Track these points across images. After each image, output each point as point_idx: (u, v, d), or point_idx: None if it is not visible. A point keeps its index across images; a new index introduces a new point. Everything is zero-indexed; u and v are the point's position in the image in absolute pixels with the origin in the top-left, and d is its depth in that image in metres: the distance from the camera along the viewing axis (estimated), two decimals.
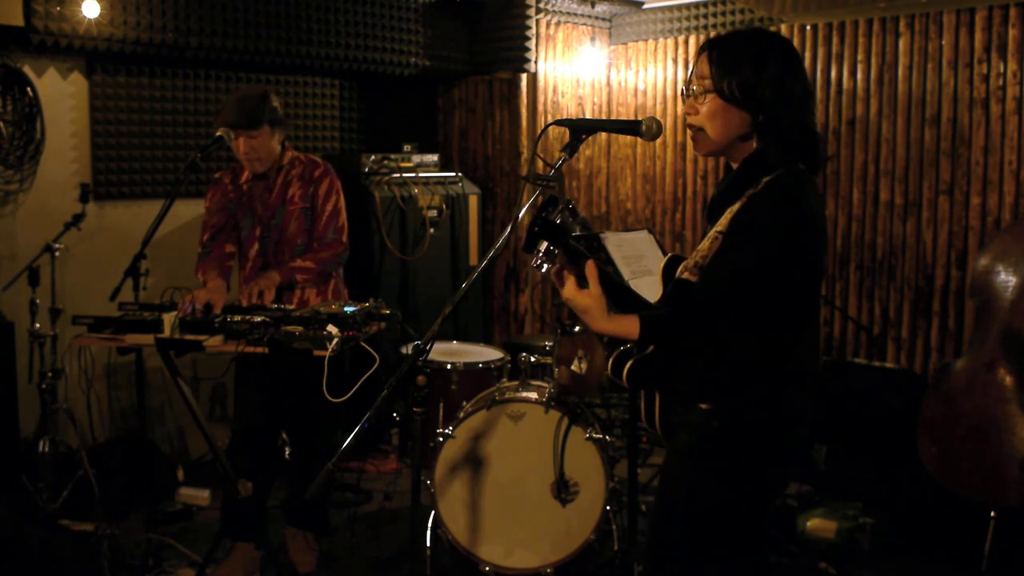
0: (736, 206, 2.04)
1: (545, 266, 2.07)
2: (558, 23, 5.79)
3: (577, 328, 3.72)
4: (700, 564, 2.15)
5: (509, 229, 2.23)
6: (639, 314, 2.02)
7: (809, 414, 2.14)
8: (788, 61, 2.07)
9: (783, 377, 2.08)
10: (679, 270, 2.15)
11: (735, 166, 2.14)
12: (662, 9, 5.70)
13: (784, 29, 5.09)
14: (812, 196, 2.05)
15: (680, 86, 5.69)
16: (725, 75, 2.05)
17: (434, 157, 5.49)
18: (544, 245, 2.05)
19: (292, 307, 3.34)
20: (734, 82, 2.04)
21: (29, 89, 4.30)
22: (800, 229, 2.00)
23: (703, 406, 2.09)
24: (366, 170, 5.15)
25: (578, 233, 2.17)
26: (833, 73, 4.93)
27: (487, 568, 3.47)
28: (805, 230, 2.02)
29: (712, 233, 2.08)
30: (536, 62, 5.64)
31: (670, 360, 2.13)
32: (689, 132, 2.16)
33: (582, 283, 2.04)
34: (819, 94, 4.97)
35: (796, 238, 2.00)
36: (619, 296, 2.07)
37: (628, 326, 2.01)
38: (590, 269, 2.02)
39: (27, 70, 4.31)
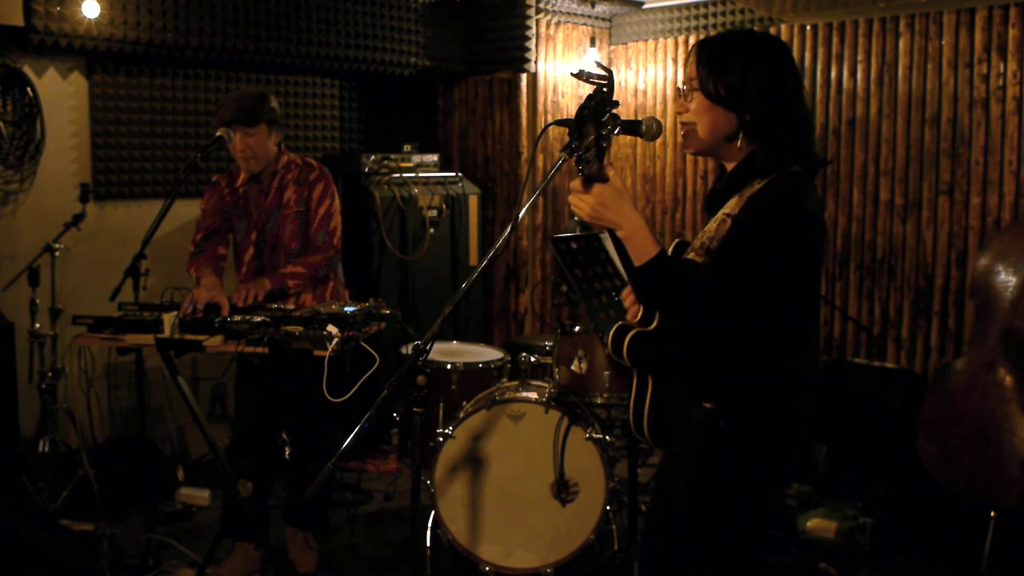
0: (748, 191, 2.05)
1: (583, 168, 1.99)
2: (558, 23, 5.79)
3: (577, 328, 3.72)
4: (701, 564, 2.15)
5: (509, 229, 2.23)
6: (663, 249, 2.02)
7: (810, 414, 2.14)
8: (776, 61, 2.08)
9: (786, 377, 2.08)
10: (686, 252, 2.16)
11: (728, 167, 2.15)
12: (662, 9, 5.70)
13: (784, 29, 5.09)
14: (810, 198, 2.05)
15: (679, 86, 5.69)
16: (711, 75, 2.07)
17: (434, 157, 5.49)
18: (591, 139, 1.98)
19: (292, 307, 3.34)
20: (720, 82, 2.06)
21: (29, 89, 4.30)
22: (799, 231, 2.01)
23: (707, 405, 2.09)
24: (366, 170, 5.15)
25: (578, 233, 2.16)
26: (833, 73, 4.93)
27: (487, 568, 3.47)
28: (804, 232, 2.02)
29: (720, 215, 2.08)
30: (536, 62, 5.64)
31: (672, 338, 2.12)
32: (680, 131, 2.18)
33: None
34: (819, 94, 4.97)
35: (795, 240, 2.00)
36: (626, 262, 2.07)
37: (651, 244, 2.00)
38: (610, 171, 2.02)
39: (27, 70, 4.31)
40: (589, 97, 2.03)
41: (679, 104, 2.16)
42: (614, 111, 2.02)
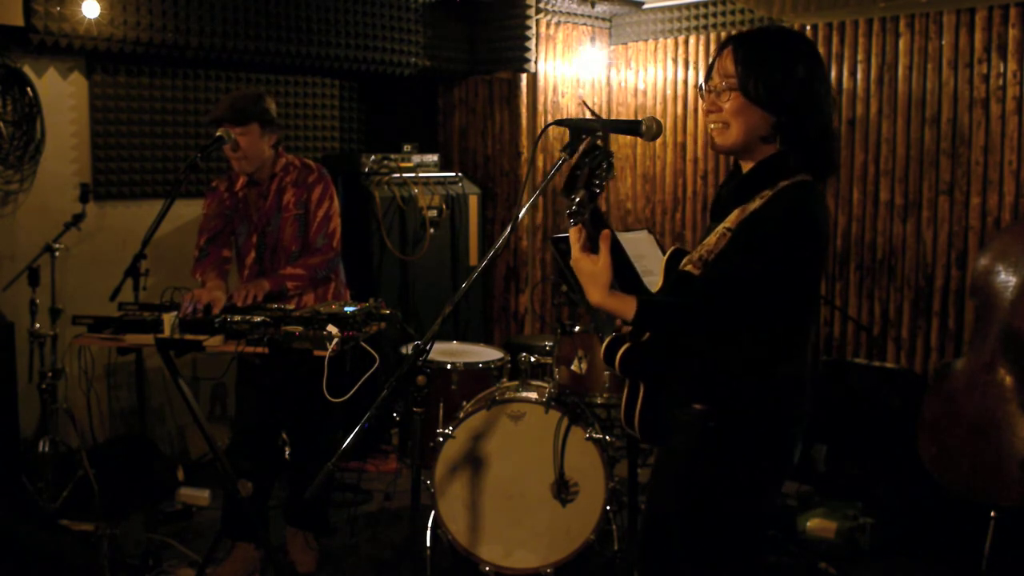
0: (750, 206, 2.04)
1: (574, 219, 2.01)
2: (558, 23, 5.79)
3: (577, 328, 3.72)
4: (697, 565, 2.15)
5: (509, 229, 2.23)
6: (638, 297, 2.02)
7: (804, 414, 2.14)
8: (815, 64, 2.06)
9: (778, 378, 2.09)
10: (683, 263, 2.15)
11: (746, 167, 2.12)
12: (662, 9, 5.70)
13: None
14: (819, 208, 2.04)
15: (680, 86, 5.69)
16: (751, 74, 2.02)
17: (434, 157, 5.49)
18: (583, 194, 2.00)
19: (292, 307, 3.34)
20: (760, 83, 2.02)
21: (29, 89, 4.30)
22: (805, 242, 2.01)
23: (697, 406, 2.09)
24: (366, 170, 5.15)
25: None
26: (833, 73, 4.92)
27: (487, 568, 3.47)
28: (809, 243, 2.02)
29: (720, 229, 2.07)
30: (536, 62, 5.64)
31: (665, 350, 2.13)
32: (711, 128, 2.11)
33: (593, 250, 2.03)
34: None
35: (800, 251, 2.00)
36: (624, 276, 2.07)
37: (625, 306, 2.01)
38: (605, 237, 2.02)
39: (27, 70, 4.31)
40: (584, 154, 2.03)
41: (709, 102, 2.10)
42: (610, 159, 2.03)
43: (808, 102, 2.03)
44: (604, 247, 2.02)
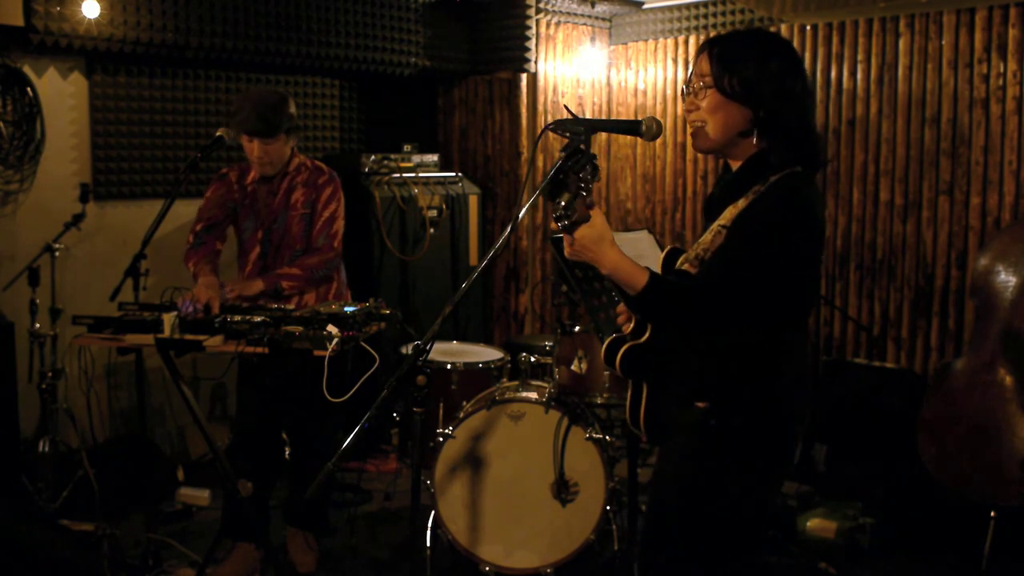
0: (741, 202, 2.05)
1: (564, 221, 2.00)
2: (558, 23, 5.79)
3: (577, 328, 3.72)
4: (697, 564, 2.15)
5: (509, 229, 2.23)
6: (650, 270, 2.02)
7: (804, 413, 2.14)
8: (789, 59, 2.08)
9: (778, 375, 2.09)
10: (679, 262, 2.15)
11: (734, 165, 2.14)
12: (662, 9, 5.70)
13: (784, 29, 5.09)
14: (814, 198, 2.06)
15: (680, 86, 5.69)
16: (726, 71, 2.05)
17: (434, 157, 5.49)
18: (567, 197, 2.00)
19: (292, 307, 3.34)
20: (735, 78, 2.05)
21: (29, 89, 4.30)
22: (800, 232, 2.01)
23: (699, 405, 2.09)
24: (366, 170, 5.15)
25: None
26: (833, 73, 4.93)
27: (487, 568, 3.47)
28: (805, 233, 2.03)
29: (715, 227, 2.08)
30: (536, 62, 5.64)
31: (665, 349, 2.13)
32: (689, 130, 2.16)
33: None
34: (819, 94, 4.97)
35: (796, 240, 2.01)
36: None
37: (638, 274, 2.01)
38: (596, 211, 2.02)
39: (27, 70, 4.31)
40: (567, 156, 2.03)
41: (688, 102, 2.14)
42: (593, 161, 2.02)
43: (783, 96, 2.05)
44: (597, 213, 2.02)
